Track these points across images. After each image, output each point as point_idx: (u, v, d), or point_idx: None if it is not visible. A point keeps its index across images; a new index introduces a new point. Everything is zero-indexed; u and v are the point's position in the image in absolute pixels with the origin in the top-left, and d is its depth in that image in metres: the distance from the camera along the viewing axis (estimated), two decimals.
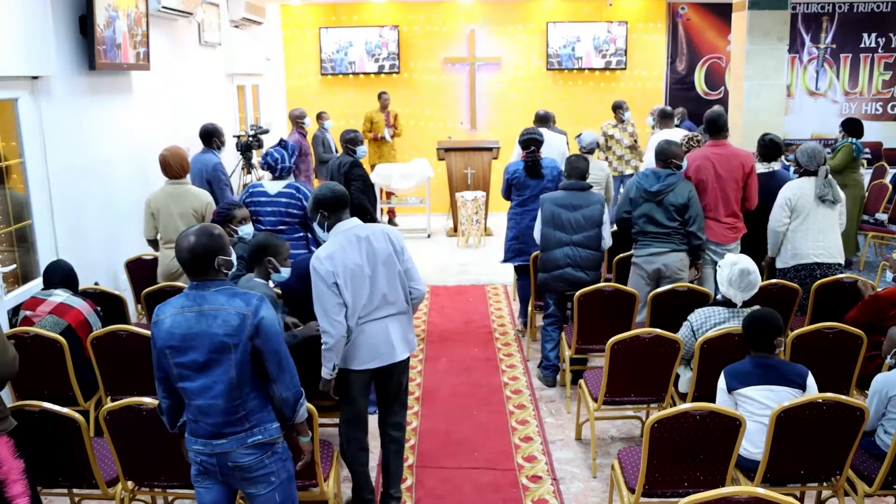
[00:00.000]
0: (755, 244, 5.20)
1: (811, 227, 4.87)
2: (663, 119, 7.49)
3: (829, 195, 4.85)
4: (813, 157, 4.92)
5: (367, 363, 3.41)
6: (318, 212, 3.42)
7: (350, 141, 5.81)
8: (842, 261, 4.95)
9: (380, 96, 9.84)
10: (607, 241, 5.02)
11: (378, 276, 3.36)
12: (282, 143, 5.08)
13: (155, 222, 5.04)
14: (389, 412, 3.65)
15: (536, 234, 5.11)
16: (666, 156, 4.87)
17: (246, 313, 2.58)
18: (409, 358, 3.57)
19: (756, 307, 3.85)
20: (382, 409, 3.67)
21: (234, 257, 2.71)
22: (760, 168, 5.41)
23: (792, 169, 5.37)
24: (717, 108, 8.70)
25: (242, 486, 2.72)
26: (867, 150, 8.46)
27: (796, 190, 4.90)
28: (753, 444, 3.24)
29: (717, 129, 5.20)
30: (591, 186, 5.15)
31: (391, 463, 3.68)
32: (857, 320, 4.13)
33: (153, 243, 5.18)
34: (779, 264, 5.02)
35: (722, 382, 3.32)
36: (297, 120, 8.60)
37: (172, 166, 5.02)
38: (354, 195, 5.53)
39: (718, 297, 4.01)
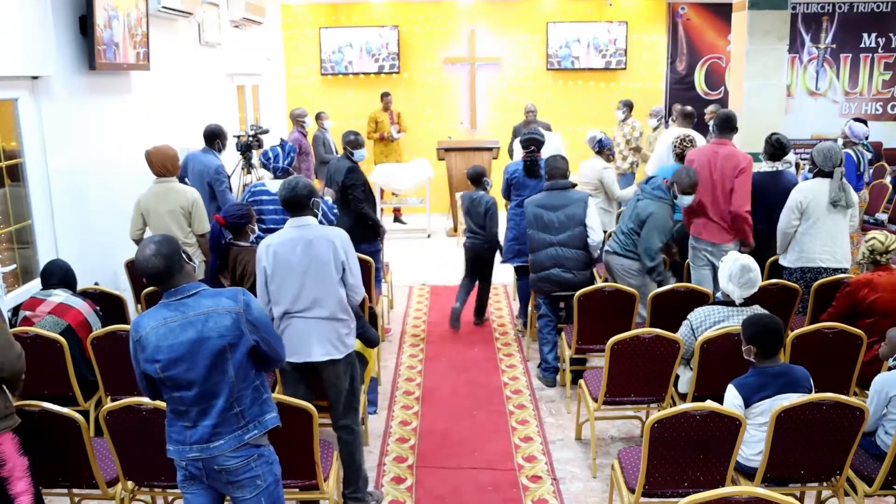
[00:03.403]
0: (757, 244, 5.19)
1: (820, 232, 4.80)
2: (684, 118, 6.97)
3: (843, 200, 4.75)
4: (829, 158, 4.82)
5: (289, 356, 3.45)
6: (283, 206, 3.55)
7: (349, 143, 5.70)
8: (848, 266, 4.90)
9: (382, 97, 9.88)
10: (595, 238, 4.94)
11: (310, 278, 3.42)
12: (281, 143, 5.10)
13: (144, 222, 5.02)
14: (333, 414, 3.67)
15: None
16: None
17: (238, 311, 2.57)
18: (339, 362, 3.55)
19: (755, 307, 3.86)
20: (330, 410, 3.69)
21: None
22: (766, 167, 5.38)
23: (807, 167, 5.31)
24: (716, 107, 8.64)
25: (228, 491, 2.69)
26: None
27: (808, 193, 4.83)
28: (753, 449, 3.23)
29: (728, 128, 5.18)
30: (574, 185, 5.11)
31: (343, 464, 3.67)
32: (835, 313, 4.22)
33: (138, 244, 5.17)
34: (784, 263, 5.00)
35: (737, 399, 3.20)
36: (297, 119, 8.61)
37: (155, 164, 4.99)
38: (353, 204, 5.55)
39: (718, 295, 4.00)
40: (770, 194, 5.14)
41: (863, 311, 4.11)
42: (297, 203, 3.46)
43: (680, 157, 5.59)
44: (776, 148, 5.33)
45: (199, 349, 2.53)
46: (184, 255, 2.62)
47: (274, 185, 4.91)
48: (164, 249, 2.55)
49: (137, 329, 2.59)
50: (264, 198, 4.90)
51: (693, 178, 4.84)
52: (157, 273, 2.56)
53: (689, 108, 7.42)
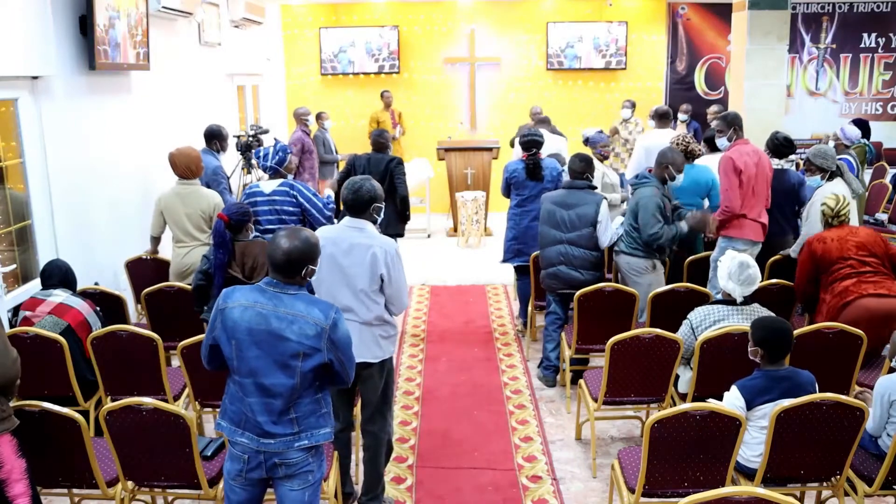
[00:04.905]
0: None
1: None
2: (660, 119, 7.09)
3: (859, 187, 4.89)
4: (829, 156, 4.90)
5: None
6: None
7: (388, 140, 6.16)
8: None
9: (382, 95, 9.91)
10: (603, 240, 4.94)
11: (346, 285, 3.41)
12: (275, 142, 5.14)
13: (163, 221, 5.11)
14: (363, 417, 3.66)
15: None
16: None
17: (325, 327, 2.57)
18: (375, 366, 3.53)
19: (755, 305, 3.85)
20: (362, 412, 3.69)
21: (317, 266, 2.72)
22: (774, 165, 5.37)
23: (804, 173, 5.27)
24: (719, 107, 8.62)
25: (279, 481, 2.71)
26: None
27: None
28: (754, 451, 3.23)
29: (742, 127, 5.19)
30: (593, 187, 5.07)
31: (364, 470, 3.67)
32: (800, 273, 4.43)
33: (155, 240, 5.30)
34: None
35: (739, 401, 3.18)
36: (300, 117, 8.62)
37: (178, 166, 5.09)
38: (400, 188, 5.88)
39: (718, 295, 4.00)
40: (776, 193, 5.13)
41: (821, 263, 4.32)
42: (355, 206, 3.46)
43: (686, 155, 5.57)
44: (785, 146, 5.31)
45: (275, 345, 2.55)
46: (305, 269, 2.63)
47: (267, 186, 4.91)
48: (293, 254, 2.59)
49: (226, 300, 2.63)
50: (258, 199, 4.91)
51: (682, 155, 4.96)
52: (273, 265, 2.61)
53: (662, 107, 7.36)
